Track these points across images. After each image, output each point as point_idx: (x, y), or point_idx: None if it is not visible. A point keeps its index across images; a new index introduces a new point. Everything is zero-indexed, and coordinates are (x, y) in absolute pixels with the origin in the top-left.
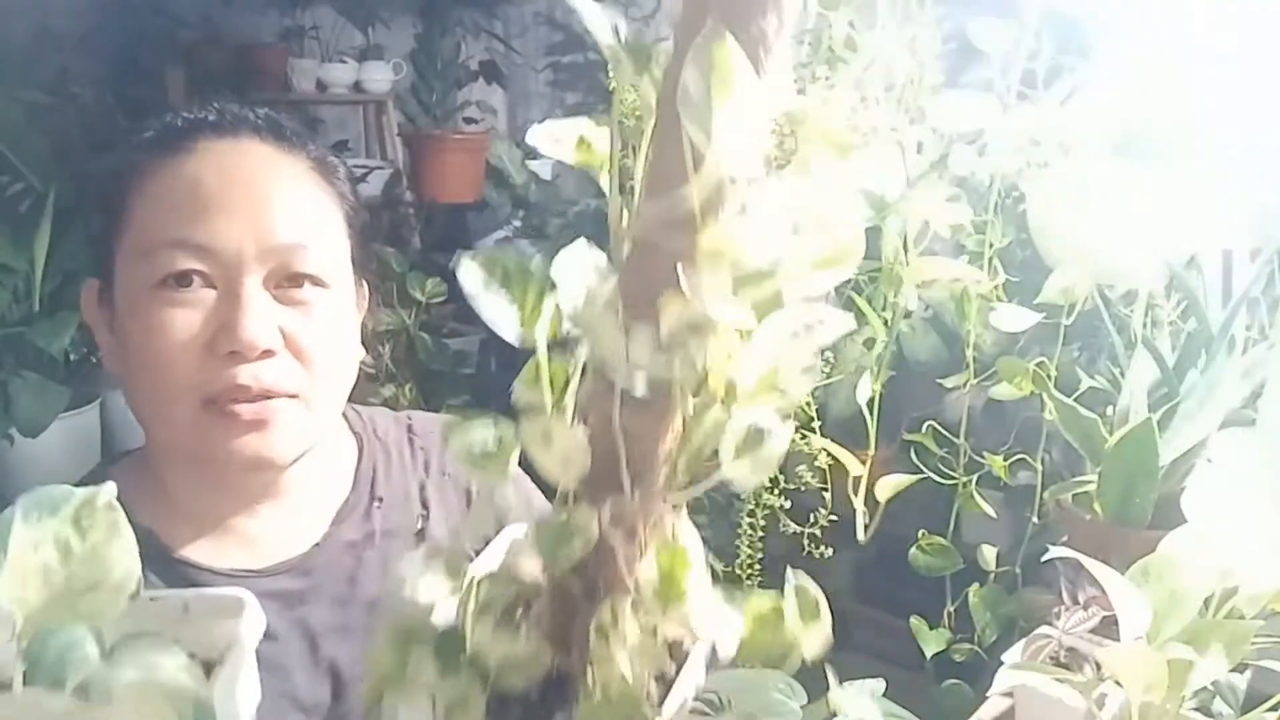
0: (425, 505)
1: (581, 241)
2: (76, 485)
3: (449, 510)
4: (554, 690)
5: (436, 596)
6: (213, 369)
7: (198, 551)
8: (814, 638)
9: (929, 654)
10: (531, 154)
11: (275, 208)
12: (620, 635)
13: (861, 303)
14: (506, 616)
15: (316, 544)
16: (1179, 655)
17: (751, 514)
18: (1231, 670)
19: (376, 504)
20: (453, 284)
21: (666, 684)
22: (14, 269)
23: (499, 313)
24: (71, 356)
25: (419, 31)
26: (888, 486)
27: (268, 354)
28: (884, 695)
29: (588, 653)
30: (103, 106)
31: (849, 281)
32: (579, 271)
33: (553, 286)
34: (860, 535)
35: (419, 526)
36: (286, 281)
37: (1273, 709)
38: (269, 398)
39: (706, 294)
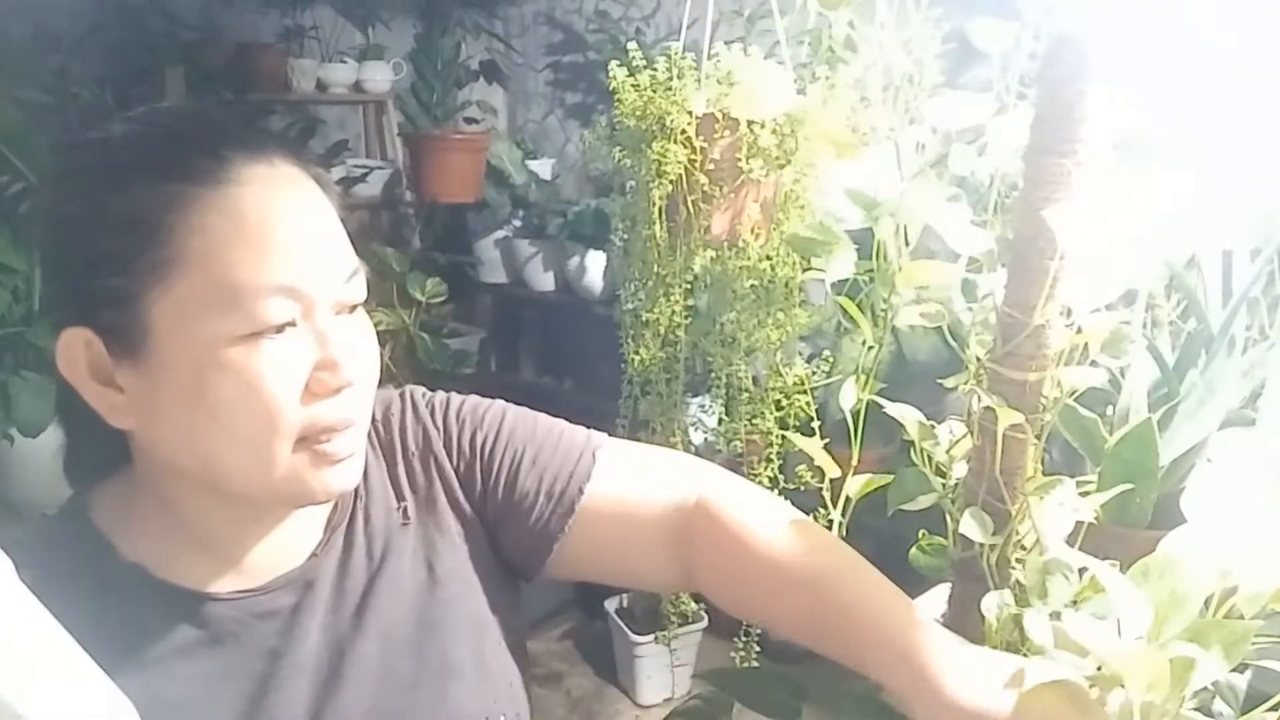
0: (399, 491)
1: None
2: (54, 517)
3: (431, 484)
4: None
5: None
6: (310, 410)
7: (193, 578)
8: None
9: None
10: (531, 154)
11: (335, 238)
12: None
13: (849, 305)
14: None
15: (314, 554)
16: (1180, 655)
17: None
18: (1231, 670)
19: (360, 500)
20: (452, 284)
21: None
22: (14, 269)
23: None
24: None
25: (419, 31)
26: (858, 484)
27: (348, 385)
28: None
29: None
30: (103, 106)
31: (845, 282)
32: None
33: None
34: (838, 534)
35: (399, 509)
36: (344, 309)
37: (1273, 709)
38: (349, 428)
39: None
